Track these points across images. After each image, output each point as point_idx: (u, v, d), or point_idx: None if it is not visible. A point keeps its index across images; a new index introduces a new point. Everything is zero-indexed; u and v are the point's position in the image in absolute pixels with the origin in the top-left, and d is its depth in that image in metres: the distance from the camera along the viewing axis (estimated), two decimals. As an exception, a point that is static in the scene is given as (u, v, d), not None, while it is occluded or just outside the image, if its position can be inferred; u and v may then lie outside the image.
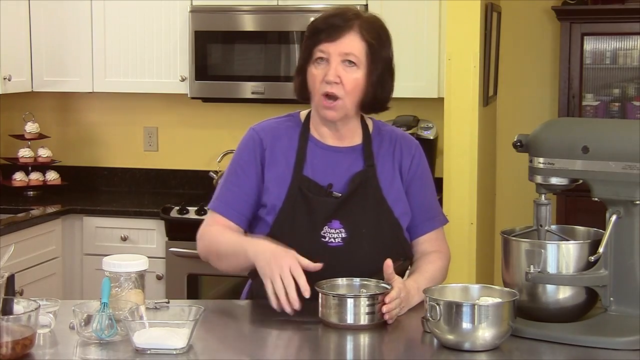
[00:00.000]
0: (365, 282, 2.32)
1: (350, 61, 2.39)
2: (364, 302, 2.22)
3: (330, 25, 2.39)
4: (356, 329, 2.22)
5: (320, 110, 2.44)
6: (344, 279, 2.32)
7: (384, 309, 2.22)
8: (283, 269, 2.24)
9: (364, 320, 2.22)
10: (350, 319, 2.22)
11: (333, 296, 2.23)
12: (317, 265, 2.27)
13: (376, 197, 2.46)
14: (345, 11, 2.43)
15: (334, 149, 2.49)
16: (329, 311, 2.23)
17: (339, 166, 2.48)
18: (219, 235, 2.46)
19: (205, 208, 2.59)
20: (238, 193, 2.49)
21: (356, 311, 2.22)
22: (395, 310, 2.25)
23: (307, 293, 2.23)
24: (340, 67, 2.38)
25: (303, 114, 2.55)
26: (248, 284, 2.65)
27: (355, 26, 2.39)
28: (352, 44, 2.38)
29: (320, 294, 2.25)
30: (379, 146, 2.52)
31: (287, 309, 2.23)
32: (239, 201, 2.49)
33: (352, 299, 2.23)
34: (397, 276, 2.32)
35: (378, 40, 2.42)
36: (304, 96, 2.48)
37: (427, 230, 2.54)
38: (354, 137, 2.51)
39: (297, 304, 2.23)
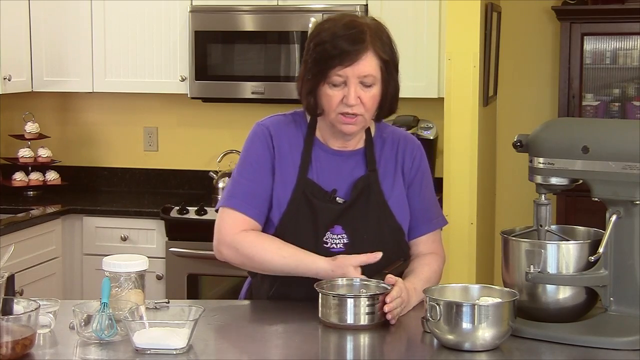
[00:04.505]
0: (366, 282, 2.32)
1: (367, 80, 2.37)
2: (364, 302, 2.22)
3: (343, 51, 2.34)
4: (356, 329, 2.21)
5: (339, 126, 2.41)
6: (344, 279, 2.32)
7: (386, 308, 2.23)
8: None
9: (364, 320, 2.22)
10: (350, 319, 2.22)
11: (333, 296, 2.23)
12: (377, 255, 2.34)
13: (378, 203, 2.46)
14: (351, 28, 2.36)
15: (337, 153, 2.48)
16: (329, 311, 2.23)
17: (342, 170, 2.48)
18: (265, 243, 2.42)
19: (217, 208, 2.51)
20: (257, 189, 2.45)
21: (356, 311, 2.22)
22: (397, 309, 2.25)
23: None
24: (359, 87, 2.36)
25: None
26: (247, 282, 2.64)
27: (369, 46, 2.35)
28: (369, 65, 2.35)
29: (320, 294, 2.25)
30: (381, 149, 2.52)
31: None
32: (258, 197, 2.45)
33: (352, 299, 2.23)
34: (397, 277, 2.33)
35: (391, 55, 2.40)
36: (316, 114, 2.45)
37: (425, 232, 2.54)
38: (357, 142, 2.50)
39: None
